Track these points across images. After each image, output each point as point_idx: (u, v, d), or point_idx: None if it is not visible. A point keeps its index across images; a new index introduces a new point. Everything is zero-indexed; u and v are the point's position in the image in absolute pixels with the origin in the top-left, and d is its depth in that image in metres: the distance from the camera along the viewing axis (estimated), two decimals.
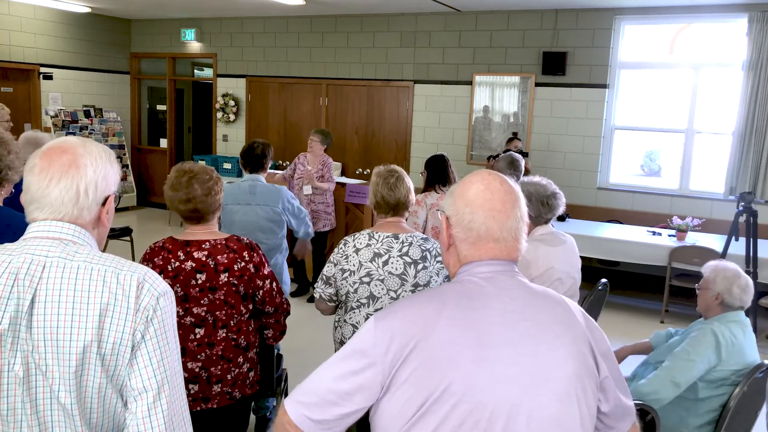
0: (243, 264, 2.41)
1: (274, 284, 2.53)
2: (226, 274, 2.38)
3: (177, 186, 2.40)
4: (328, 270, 2.60)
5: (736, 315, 2.69)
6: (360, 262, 2.51)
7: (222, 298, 2.39)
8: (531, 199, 2.83)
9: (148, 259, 2.40)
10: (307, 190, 5.73)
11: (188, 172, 2.43)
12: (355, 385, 1.25)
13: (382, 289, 2.50)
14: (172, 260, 2.36)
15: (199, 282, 2.36)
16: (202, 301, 2.38)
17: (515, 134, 7.12)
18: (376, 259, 2.50)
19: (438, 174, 4.13)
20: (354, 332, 2.52)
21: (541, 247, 2.80)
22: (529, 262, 2.74)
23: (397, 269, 2.50)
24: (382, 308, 2.51)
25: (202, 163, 2.60)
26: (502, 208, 1.34)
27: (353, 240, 2.57)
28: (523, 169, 4.46)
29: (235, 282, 2.39)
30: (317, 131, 5.95)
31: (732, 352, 2.57)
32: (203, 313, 2.39)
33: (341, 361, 1.29)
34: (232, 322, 2.43)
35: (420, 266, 2.51)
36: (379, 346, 1.25)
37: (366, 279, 2.50)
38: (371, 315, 2.50)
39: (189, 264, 2.36)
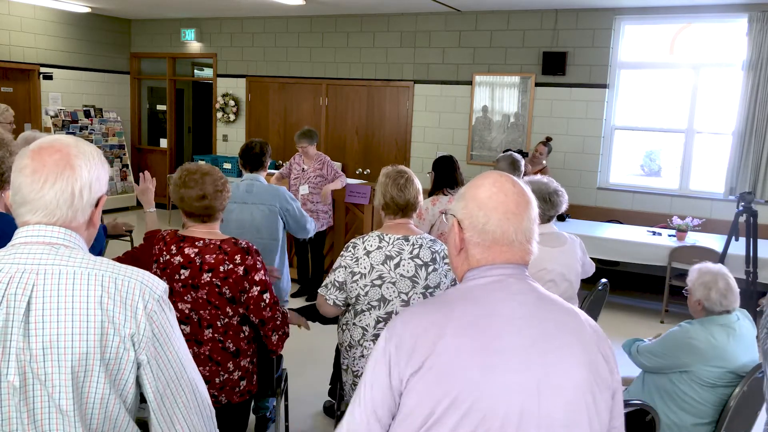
0: (231, 266, 2.37)
1: (266, 296, 2.43)
2: (210, 274, 2.36)
3: (191, 183, 2.41)
4: (339, 275, 2.55)
5: (723, 318, 2.68)
6: (371, 264, 2.49)
7: (204, 297, 2.38)
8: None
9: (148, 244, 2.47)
10: (304, 190, 5.69)
11: (200, 170, 2.46)
12: (380, 397, 1.27)
13: (394, 291, 2.48)
14: (165, 253, 2.41)
15: (182, 277, 2.37)
16: (185, 297, 2.39)
17: (548, 139, 6.93)
18: (388, 261, 2.48)
19: (446, 175, 4.00)
20: (363, 335, 2.53)
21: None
22: None
23: (408, 271, 2.48)
24: (392, 311, 2.50)
25: (201, 162, 2.64)
26: (516, 210, 1.31)
27: (363, 242, 2.54)
28: (523, 170, 4.44)
29: (219, 283, 2.37)
30: (303, 136, 5.64)
31: (711, 355, 2.58)
32: (187, 310, 2.41)
33: (367, 377, 1.31)
34: (218, 323, 2.42)
35: (430, 268, 2.50)
36: (391, 355, 1.25)
37: (378, 282, 2.48)
38: (381, 317, 2.49)
39: (177, 259, 2.38)
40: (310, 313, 2.92)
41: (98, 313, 1.25)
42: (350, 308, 2.60)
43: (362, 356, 2.56)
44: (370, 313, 2.52)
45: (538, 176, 3.00)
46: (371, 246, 2.51)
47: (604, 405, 1.28)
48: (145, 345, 1.28)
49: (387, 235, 2.54)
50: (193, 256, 2.37)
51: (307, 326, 2.93)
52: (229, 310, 2.42)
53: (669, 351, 2.69)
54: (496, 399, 1.18)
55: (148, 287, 1.31)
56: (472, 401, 1.18)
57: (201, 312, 2.40)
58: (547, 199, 2.85)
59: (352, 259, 2.53)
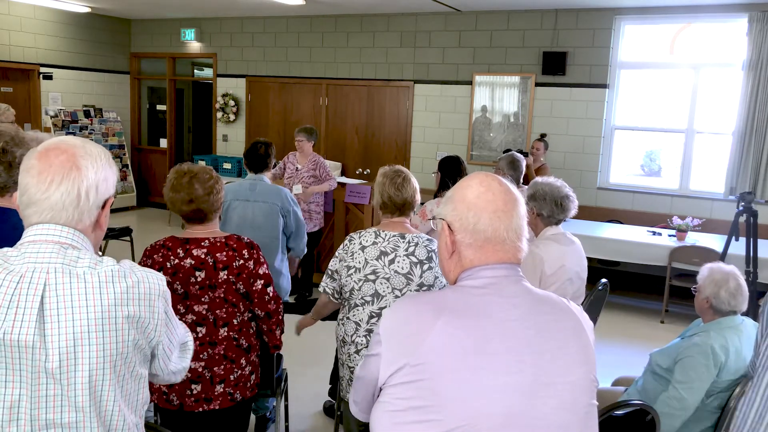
0: (242, 262, 2.41)
1: (269, 289, 2.51)
2: (226, 272, 2.38)
3: (178, 187, 2.39)
4: (333, 264, 2.63)
5: (731, 320, 2.66)
6: (366, 259, 2.52)
7: (222, 296, 2.39)
8: (545, 198, 2.84)
9: (148, 256, 2.40)
10: (297, 189, 5.67)
11: (188, 172, 2.42)
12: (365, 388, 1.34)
13: (387, 287, 2.50)
14: (172, 257, 2.37)
15: (199, 279, 2.37)
16: (202, 299, 2.38)
17: (543, 135, 6.98)
18: (383, 257, 2.51)
19: (452, 176, 3.91)
20: (356, 330, 2.55)
21: (554, 246, 2.80)
22: (543, 259, 2.72)
23: (403, 268, 2.50)
24: (385, 306, 2.52)
25: (202, 163, 2.62)
26: (505, 208, 1.32)
27: (359, 237, 2.58)
28: (524, 169, 4.43)
29: (234, 279, 2.40)
30: (301, 130, 5.79)
31: (734, 360, 2.56)
32: (204, 312, 2.40)
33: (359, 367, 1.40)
34: (234, 320, 2.44)
35: (426, 266, 2.52)
36: (381, 343, 1.27)
37: (371, 277, 2.51)
38: (374, 312, 2.51)
39: (188, 261, 2.36)
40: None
41: (113, 312, 1.27)
42: (345, 303, 2.63)
43: (357, 352, 2.57)
44: (363, 308, 2.54)
45: (552, 178, 2.98)
46: (367, 241, 2.55)
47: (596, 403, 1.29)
48: (159, 332, 1.39)
49: (383, 231, 2.57)
50: (203, 256, 2.37)
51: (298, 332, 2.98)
52: (242, 306, 2.45)
53: (705, 367, 2.52)
54: (485, 400, 1.18)
55: (156, 282, 1.37)
56: (462, 401, 1.18)
57: (217, 311, 2.41)
58: (558, 203, 2.84)
59: (347, 253, 2.57)
